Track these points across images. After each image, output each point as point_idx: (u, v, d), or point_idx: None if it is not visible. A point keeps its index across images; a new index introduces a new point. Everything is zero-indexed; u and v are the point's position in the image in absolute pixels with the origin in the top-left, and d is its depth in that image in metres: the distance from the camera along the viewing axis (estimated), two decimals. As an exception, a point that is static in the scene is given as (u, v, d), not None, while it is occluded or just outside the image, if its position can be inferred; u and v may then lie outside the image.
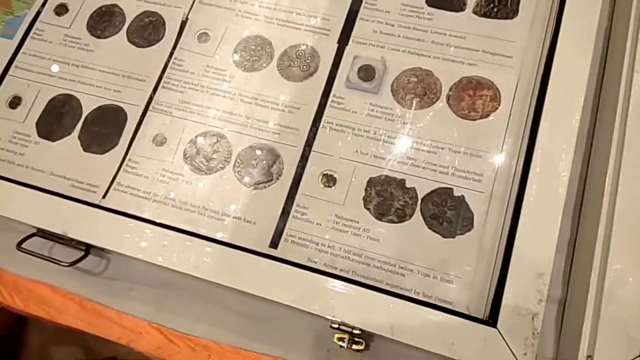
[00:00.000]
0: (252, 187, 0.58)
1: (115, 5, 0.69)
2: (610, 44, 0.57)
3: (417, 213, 0.55)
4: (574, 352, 0.44)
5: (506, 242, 0.48)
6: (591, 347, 0.43)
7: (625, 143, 0.48)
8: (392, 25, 0.63)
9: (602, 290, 0.44)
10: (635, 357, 0.42)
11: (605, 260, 0.45)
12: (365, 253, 0.54)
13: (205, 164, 0.60)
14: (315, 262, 0.54)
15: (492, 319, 0.45)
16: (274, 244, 0.55)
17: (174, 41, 0.66)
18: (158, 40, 0.66)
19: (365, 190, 0.56)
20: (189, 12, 0.67)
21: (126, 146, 0.62)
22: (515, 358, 0.43)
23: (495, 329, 0.44)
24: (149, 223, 0.55)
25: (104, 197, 0.60)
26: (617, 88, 0.51)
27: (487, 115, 0.57)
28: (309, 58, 0.63)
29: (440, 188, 0.55)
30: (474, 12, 0.61)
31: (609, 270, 0.45)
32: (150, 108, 0.63)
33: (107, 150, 0.62)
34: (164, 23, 0.67)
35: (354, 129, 0.59)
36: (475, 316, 0.47)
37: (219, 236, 0.55)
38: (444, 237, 0.54)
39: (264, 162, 0.59)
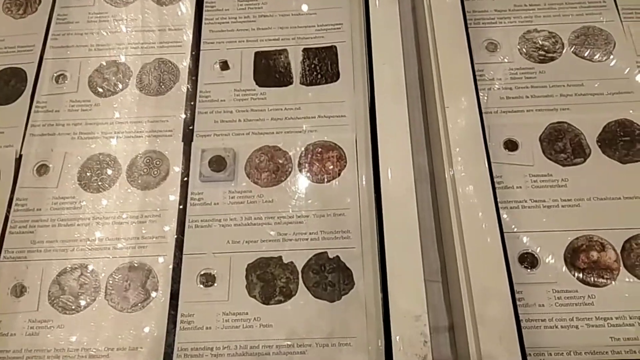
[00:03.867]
0: (130, 311, 0.55)
1: (-64, 160, 0.64)
2: (424, 87, 0.64)
3: (301, 286, 0.56)
4: (469, 376, 0.46)
5: (382, 291, 0.50)
6: (479, 366, 0.46)
7: (454, 169, 0.53)
8: (231, 112, 0.65)
9: (474, 313, 0.47)
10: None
11: (468, 282, 0.49)
12: (262, 343, 0.53)
13: (73, 300, 0.56)
14: (214, 369, 0.52)
15: (389, 373, 0.47)
16: (167, 364, 0.53)
17: (11, 182, 0.62)
18: (-7, 186, 0.62)
19: (246, 278, 0.56)
20: (21, 148, 0.64)
21: (-18, 308, 0.56)
22: (418, 406, 0.44)
23: (393, 383, 0.46)
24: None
25: (-32, 371, 0.54)
26: (437, 123, 0.57)
27: (339, 174, 0.60)
28: (158, 162, 0.62)
29: (315, 255, 0.57)
30: (301, 83, 0.66)
31: (474, 292, 0.48)
32: (0, 259, 0.59)
33: (-39, 319, 0.56)
34: (-4, 166, 0.63)
35: (219, 221, 0.59)
36: (372, 376, 0.49)
37: (105, 376, 0.52)
38: (331, 301, 0.55)
39: (136, 280, 0.57)
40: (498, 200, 0.53)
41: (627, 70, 0.63)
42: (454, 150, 0.54)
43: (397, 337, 0.47)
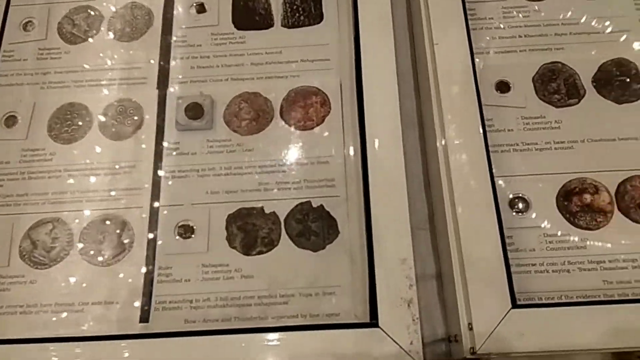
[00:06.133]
0: (105, 265, 0.53)
1: None
2: (413, 26, 0.60)
3: (284, 236, 0.53)
4: (457, 323, 0.45)
5: (366, 238, 0.48)
6: (469, 315, 0.44)
7: (444, 111, 0.51)
8: (208, 57, 0.61)
9: (462, 258, 0.45)
10: (509, 310, 0.44)
11: (456, 227, 0.47)
12: (242, 294, 0.51)
13: (46, 255, 0.54)
14: (194, 322, 0.50)
15: (374, 319, 0.45)
16: (144, 317, 0.51)
17: (-23, 135, 0.59)
18: (-42, 139, 0.59)
19: (227, 229, 0.54)
20: (-13, 98, 0.61)
21: (-48, 265, 0.54)
22: (403, 349, 0.43)
23: (378, 328, 0.44)
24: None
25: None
26: (425, 63, 0.54)
27: (322, 121, 0.57)
28: (132, 111, 0.59)
29: (298, 204, 0.55)
30: (283, 25, 0.62)
31: (462, 236, 0.46)
32: (-32, 214, 0.56)
33: None
34: (-38, 119, 0.60)
35: (197, 171, 0.56)
36: (358, 322, 0.47)
37: (81, 330, 0.50)
38: (315, 251, 0.53)
39: (112, 233, 0.54)
40: (489, 143, 0.51)
41: (624, 9, 0.60)
42: (443, 91, 0.52)
43: (382, 281, 0.45)
